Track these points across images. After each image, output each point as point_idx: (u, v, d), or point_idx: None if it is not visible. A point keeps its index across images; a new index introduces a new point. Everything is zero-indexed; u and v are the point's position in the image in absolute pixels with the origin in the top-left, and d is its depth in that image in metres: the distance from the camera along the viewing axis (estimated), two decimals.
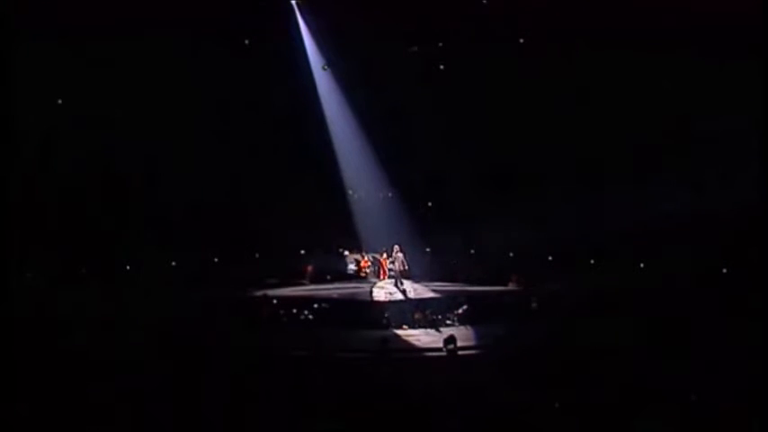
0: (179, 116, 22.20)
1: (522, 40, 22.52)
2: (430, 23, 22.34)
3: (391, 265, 21.58)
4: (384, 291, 20.79)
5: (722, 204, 19.41)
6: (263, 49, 22.60)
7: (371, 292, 20.92)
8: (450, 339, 12.75)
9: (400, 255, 21.21)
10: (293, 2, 23.02)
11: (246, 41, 22.72)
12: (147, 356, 12.69)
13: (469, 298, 19.72)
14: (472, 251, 24.30)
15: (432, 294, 20.46)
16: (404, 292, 20.52)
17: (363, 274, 23.53)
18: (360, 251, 24.00)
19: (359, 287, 21.89)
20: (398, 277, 21.19)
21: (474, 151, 22.84)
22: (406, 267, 21.33)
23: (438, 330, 17.91)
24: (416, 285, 21.25)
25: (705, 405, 9.85)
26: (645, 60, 21.29)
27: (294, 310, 19.18)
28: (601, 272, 21.71)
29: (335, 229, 23.96)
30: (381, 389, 10.81)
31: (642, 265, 22.13)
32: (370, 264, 23.40)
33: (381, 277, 22.13)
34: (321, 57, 23.41)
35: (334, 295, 20.91)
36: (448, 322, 18.58)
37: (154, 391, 10.61)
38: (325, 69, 23.45)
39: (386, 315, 18.91)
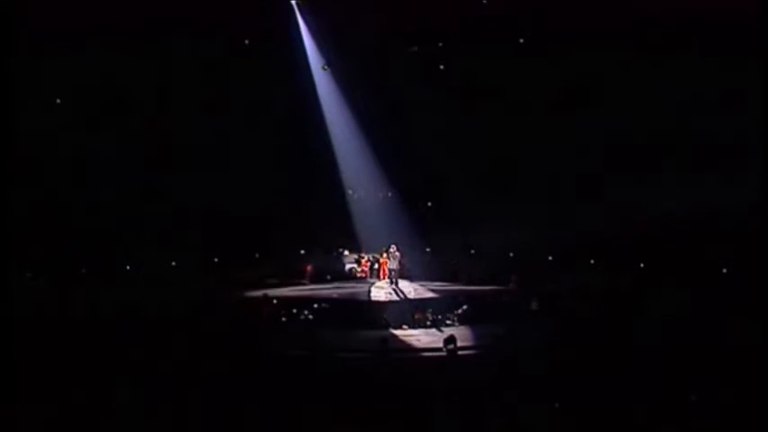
0: (179, 116, 22.22)
1: (522, 40, 22.53)
2: (430, 23, 22.34)
3: (390, 265, 21.60)
4: (383, 291, 20.81)
5: (722, 204, 19.37)
6: (263, 49, 22.61)
7: (370, 291, 20.93)
8: (450, 339, 12.71)
9: (398, 254, 21.22)
10: (293, 2, 23.03)
11: (246, 41, 22.74)
12: (146, 356, 12.68)
13: (469, 298, 19.71)
14: (472, 251, 24.29)
15: (431, 294, 20.46)
16: (395, 291, 20.52)
17: (363, 274, 23.54)
18: (359, 251, 24.00)
19: (359, 287, 21.89)
20: (395, 277, 21.20)
21: (474, 151, 22.85)
22: (400, 267, 21.34)
23: (438, 330, 17.90)
24: (416, 285, 21.26)
25: (705, 405, 9.85)
26: (645, 60, 21.29)
27: (294, 310, 19.17)
28: (601, 272, 21.70)
29: (335, 229, 23.96)
30: (381, 389, 10.81)
31: (642, 265, 22.12)
32: (369, 264, 23.42)
33: (381, 277, 22.14)
34: (321, 57, 23.42)
35: (334, 295, 20.91)
36: (448, 322, 18.56)
37: (154, 391, 10.61)
38: (325, 69, 23.46)
39: (385, 315, 18.90)
